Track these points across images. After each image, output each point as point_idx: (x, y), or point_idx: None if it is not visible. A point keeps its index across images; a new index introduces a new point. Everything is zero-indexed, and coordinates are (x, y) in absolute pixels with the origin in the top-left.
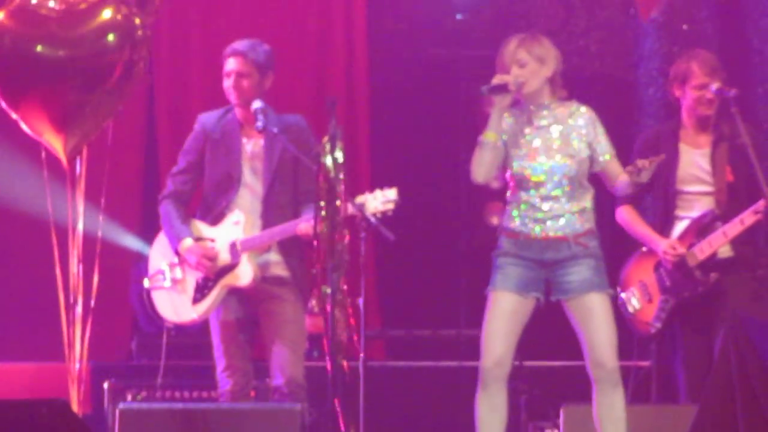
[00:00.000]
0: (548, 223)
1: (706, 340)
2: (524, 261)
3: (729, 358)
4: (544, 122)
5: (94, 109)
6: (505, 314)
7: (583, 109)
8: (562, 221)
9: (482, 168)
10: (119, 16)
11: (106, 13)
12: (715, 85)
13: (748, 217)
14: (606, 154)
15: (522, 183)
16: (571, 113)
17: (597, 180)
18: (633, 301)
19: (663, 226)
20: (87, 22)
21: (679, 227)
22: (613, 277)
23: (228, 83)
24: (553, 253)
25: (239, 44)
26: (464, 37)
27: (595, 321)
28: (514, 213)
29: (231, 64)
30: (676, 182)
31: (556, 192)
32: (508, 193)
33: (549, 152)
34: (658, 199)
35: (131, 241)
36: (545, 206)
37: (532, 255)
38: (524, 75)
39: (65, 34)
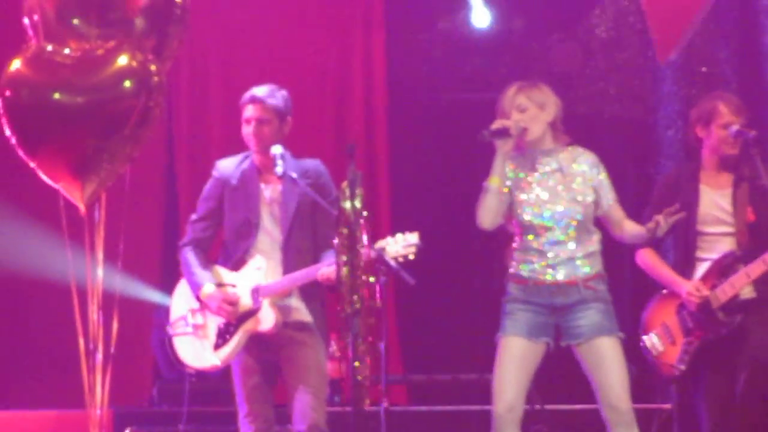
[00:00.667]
0: (557, 268)
1: (729, 381)
2: (533, 306)
3: (752, 402)
4: (548, 168)
5: (111, 155)
6: (515, 359)
7: (587, 153)
8: (570, 266)
9: (488, 214)
10: (135, 63)
11: (122, 60)
12: (735, 127)
13: None
14: (609, 199)
15: (529, 229)
16: (574, 158)
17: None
18: (656, 343)
19: (684, 268)
20: (103, 69)
21: (701, 269)
22: (634, 320)
23: (248, 130)
24: (563, 298)
25: (258, 90)
26: (483, 80)
27: (606, 365)
28: (522, 260)
29: (250, 110)
30: (697, 223)
31: (564, 237)
32: (515, 240)
33: (554, 198)
34: (679, 240)
35: (150, 294)
36: (553, 252)
37: (542, 300)
38: (525, 120)
39: (82, 81)
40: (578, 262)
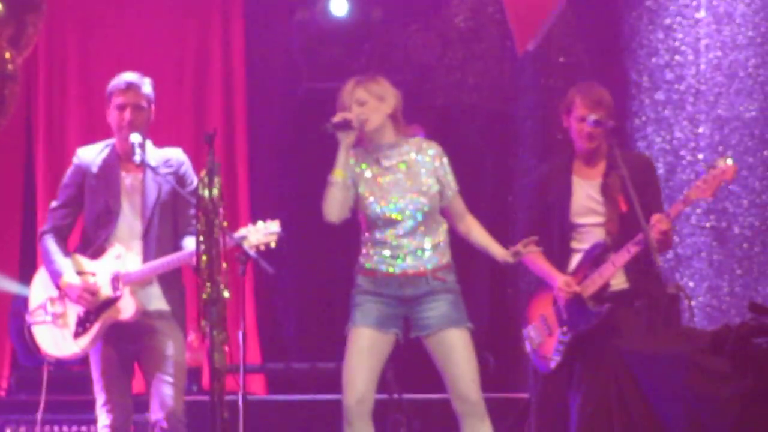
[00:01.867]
0: (405, 259)
1: (600, 373)
2: (382, 298)
3: (609, 391)
4: (392, 161)
5: None
6: (364, 351)
7: (430, 144)
8: (418, 257)
9: (334, 207)
10: None
11: None
12: (592, 117)
13: (633, 246)
14: (452, 189)
15: (375, 222)
16: (418, 150)
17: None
18: (533, 335)
19: (561, 260)
20: None
21: (575, 260)
22: (493, 311)
23: (121, 116)
24: (412, 289)
25: (130, 77)
26: (342, 69)
27: (455, 356)
28: (370, 252)
29: (125, 96)
30: (570, 215)
31: (411, 228)
32: (363, 233)
33: (399, 190)
34: (554, 232)
35: (7, 284)
36: (400, 243)
37: (391, 292)
38: (365, 112)
39: None
40: (426, 253)
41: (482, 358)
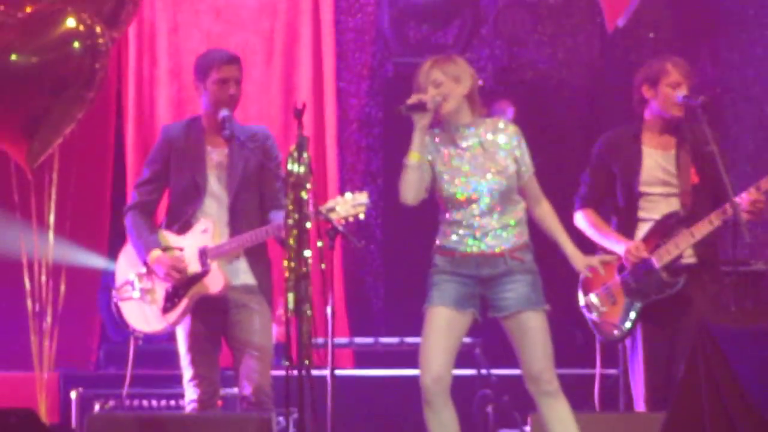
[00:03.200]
0: (482, 239)
1: (668, 345)
2: (460, 277)
3: (698, 368)
4: (468, 141)
5: (57, 116)
6: (441, 329)
7: (507, 124)
8: (496, 237)
9: (410, 189)
10: (81, 26)
11: (69, 22)
12: (681, 93)
13: (716, 218)
14: (527, 170)
15: (452, 203)
16: (494, 129)
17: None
18: (597, 304)
19: (626, 229)
20: (50, 31)
21: (643, 229)
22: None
23: (224, 90)
24: (490, 269)
25: (227, 52)
26: (431, 45)
27: (530, 338)
28: (448, 231)
29: (229, 70)
30: (640, 184)
31: (488, 208)
32: (440, 213)
33: (476, 170)
34: (621, 201)
35: (96, 260)
36: (478, 223)
37: (468, 271)
38: (441, 94)
39: (28, 42)
40: (504, 233)
41: (571, 335)
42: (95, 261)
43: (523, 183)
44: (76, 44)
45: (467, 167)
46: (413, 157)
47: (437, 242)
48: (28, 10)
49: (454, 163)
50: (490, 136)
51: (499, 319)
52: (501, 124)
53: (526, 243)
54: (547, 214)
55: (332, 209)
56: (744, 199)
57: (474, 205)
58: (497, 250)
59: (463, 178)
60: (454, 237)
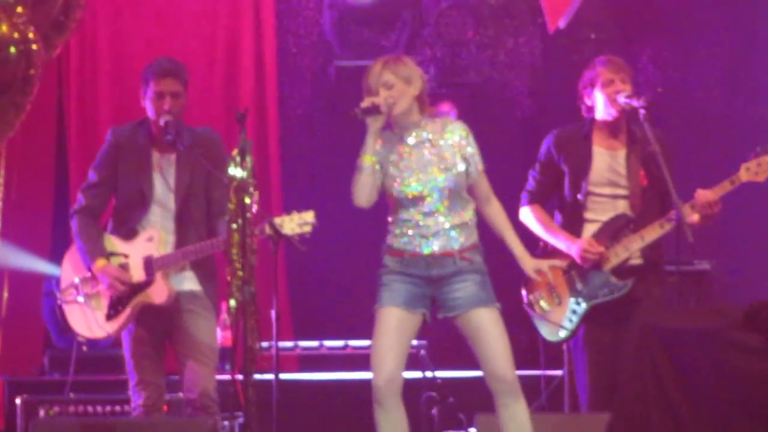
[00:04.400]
0: (431, 239)
1: (612, 346)
2: (409, 278)
3: (643, 368)
4: (417, 140)
5: None
6: (392, 330)
7: (456, 123)
8: (445, 236)
9: (364, 192)
10: (16, 33)
11: (3, 28)
12: (624, 95)
13: (667, 224)
14: (477, 168)
15: (401, 202)
16: (443, 129)
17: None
18: (541, 303)
19: (572, 228)
20: None
21: (589, 229)
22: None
23: (160, 103)
24: (439, 269)
25: (168, 64)
26: (374, 47)
27: (487, 336)
28: (397, 231)
29: (164, 84)
30: (588, 183)
31: (436, 207)
32: (390, 213)
33: (425, 169)
34: (568, 199)
35: (39, 264)
36: (427, 222)
37: (418, 272)
38: (393, 96)
39: None
40: (453, 233)
41: (515, 335)
42: (38, 265)
43: (473, 181)
44: (12, 49)
45: (415, 166)
46: (367, 160)
47: (386, 242)
48: None
49: (402, 162)
50: (438, 135)
51: (451, 319)
52: (449, 124)
53: (475, 244)
54: (497, 213)
55: (279, 226)
56: (699, 199)
57: (422, 204)
58: (446, 250)
59: (411, 176)
60: (403, 237)
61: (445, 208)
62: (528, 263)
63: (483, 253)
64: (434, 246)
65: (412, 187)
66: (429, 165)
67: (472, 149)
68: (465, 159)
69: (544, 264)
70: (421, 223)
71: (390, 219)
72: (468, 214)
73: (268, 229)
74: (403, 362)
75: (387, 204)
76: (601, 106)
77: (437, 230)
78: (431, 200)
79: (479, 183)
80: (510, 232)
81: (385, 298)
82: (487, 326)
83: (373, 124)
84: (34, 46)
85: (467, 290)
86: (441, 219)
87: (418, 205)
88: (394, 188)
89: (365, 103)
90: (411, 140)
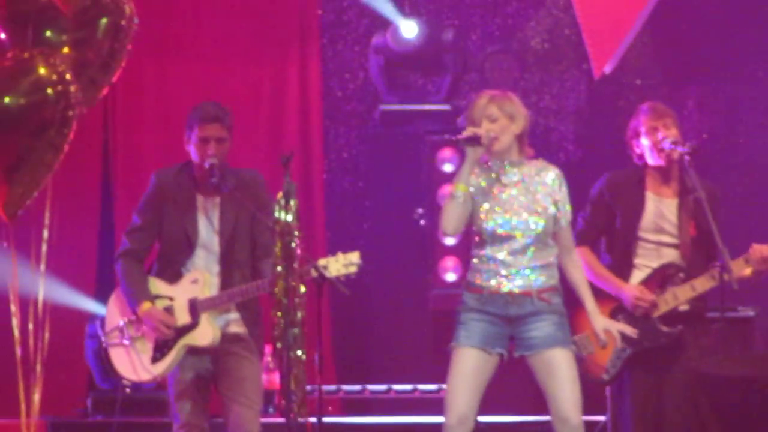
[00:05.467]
0: (512, 278)
1: (656, 393)
2: (488, 316)
3: (689, 414)
4: (512, 179)
5: (36, 161)
6: (468, 370)
7: (551, 167)
8: (525, 277)
9: (452, 220)
10: (54, 74)
11: (41, 70)
12: (669, 141)
13: (717, 274)
14: (565, 218)
15: (488, 238)
16: (538, 171)
17: None
18: (587, 344)
19: (619, 272)
20: (23, 78)
21: (638, 275)
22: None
23: (205, 149)
24: (517, 309)
25: (213, 109)
26: (420, 92)
27: (558, 377)
28: (480, 267)
29: (210, 130)
30: (640, 229)
31: (522, 248)
32: (473, 249)
33: (516, 208)
34: (617, 244)
35: (84, 302)
36: (510, 261)
37: (496, 310)
38: (495, 130)
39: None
40: (534, 274)
41: None
42: (82, 302)
43: (559, 228)
44: (49, 91)
45: (507, 204)
46: (460, 188)
47: (467, 278)
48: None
49: (495, 199)
50: (534, 177)
51: (526, 357)
52: (546, 166)
53: (555, 286)
54: (576, 267)
55: (324, 268)
56: (756, 251)
57: (509, 243)
58: (526, 289)
59: (503, 214)
60: (484, 274)
61: (531, 249)
62: (599, 322)
63: (562, 295)
64: (514, 285)
65: (502, 225)
66: (520, 205)
67: (564, 197)
68: (556, 204)
69: (614, 326)
70: (503, 260)
71: (473, 254)
72: (551, 257)
73: (313, 272)
74: (476, 404)
75: (471, 237)
76: (648, 153)
77: (519, 269)
78: (519, 241)
79: (564, 233)
80: (585, 288)
81: (463, 337)
82: (560, 366)
83: (472, 154)
84: (72, 88)
85: (544, 330)
86: (524, 259)
87: (504, 242)
88: (481, 223)
89: (467, 131)
90: (506, 179)
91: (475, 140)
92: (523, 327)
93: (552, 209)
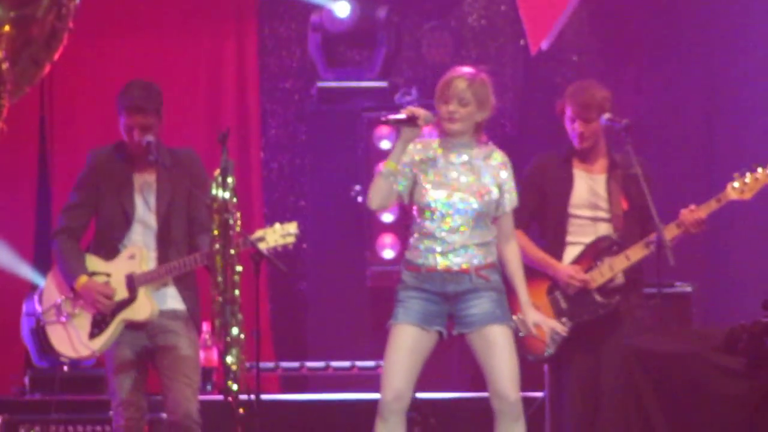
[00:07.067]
0: (450, 255)
1: (595, 364)
2: (426, 294)
3: (625, 390)
4: (460, 159)
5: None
6: (406, 347)
7: (498, 152)
8: (463, 254)
9: (378, 196)
10: None
11: None
12: (605, 116)
13: (651, 243)
14: (511, 201)
15: (428, 214)
16: (487, 155)
17: None
18: (523, 326)
19: (553, 251)
20: None
21: (571, 252)
22: None
23: (131, 135)
24: (455, 286)
25: (137, 96)
26: (356, 70)
27: (496, 353)
28: (417, 245)
29: (134, 119)
30: (570, 206)
31: (462, 226)
32: (413, 225)
33: (458, 187)
34: (549, 223)
35: (26, 270)
36: (449, 239)
37: (434, 288)
38: (461, 114)
39: None
40: (472, 251)
41: None
42: (22, 269)
43: (502, 213)
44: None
45: (452, 184)
46: (389, 165)
47: (405, 257)
48: None
49: (440, 176)
50: (481, 160)
51: (464, 335)
52: (494, 151)
53: (494, 263)
54: (513, 255)
55: (261, 239)
56: (689, 215)
57: (447, 220)
58: (463, 267)
59: (444, 191)
60: (423, 251)
61: (469, 227)
62: (530, 315)
63: (501, 273)
64: (452, 262)
65: (443, 202)
66: (464, 185)
67: (509, 183)
68: (500, 188)
69: (545, 322)
70: (442, 237)
71: (411, 230)
72: (489, 236)
73: (253, 248)
74: (413, 381)
75: (411, 214)
76: (570, 135)
77: (457, 247)
78: (457, 217)
79: (504, 220)
80: (520, 278)
81: (401, 314)
82: (498, 343)
83: (407, 134)
84: (3, 66)
85: (482, 307)
86: (463, 237)
87: (443, 219)
88: (423, 199)
89: (405, 111)
90: (454, 158)
91: (411, 121)
92: (461, 305)
93: (495, 193)
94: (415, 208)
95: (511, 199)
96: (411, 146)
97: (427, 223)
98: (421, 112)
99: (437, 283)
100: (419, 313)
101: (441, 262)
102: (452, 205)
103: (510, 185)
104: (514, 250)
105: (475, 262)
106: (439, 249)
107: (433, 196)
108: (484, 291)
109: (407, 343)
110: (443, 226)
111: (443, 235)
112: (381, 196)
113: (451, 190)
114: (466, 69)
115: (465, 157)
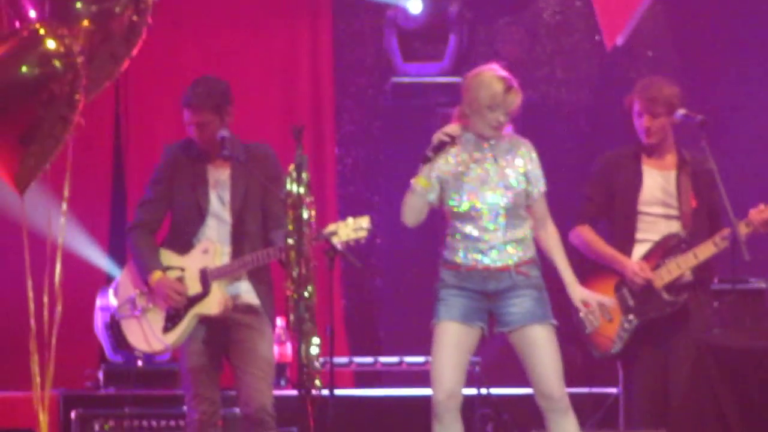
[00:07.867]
0: (488, 253)
1: (664, 362)
2: (466, 292)
3: (700, 386)
4: (483, 155)
5: (47, 132)
6: (451, 344)
7: (522, 142)
8: (502, 251)
9: (412, 213)
10: (61, 46)
11: (49, 43)
12: (680, 111)
13: (721, 241)
14: (539, 188)
15: (460, 216)
16: (510, 147)
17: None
18: (592, 319)
19: (622, 248)
20: (30, 51)
21: (641, 249)
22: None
23: (192, 132)
24: (495, 284)
25: (193, 92)
26: (430, 66)
27: (538, 353)
28: (454, 246)
29: (188, 115)
30: (639, 203)
31: (495, 224)
32: (447, 226)
33: (486, 184)
34: (618, 219)
35: (102, 263)
36: (485, 237)
37: (474, 286)
38: (504, 124)
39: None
40: (509, 248)
41: (569, 353)
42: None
43: (532, 202)
44: (56, 62)
45: (476, 182)
46: (421, 183)
47: (443, 256)
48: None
49: (464, 176)
50: (504, 153)
51: (505, 334)
52: (517, 141)
53: (533, 258)
54: (550, 237)
55: (334, 233)
56: (760, 214)
57: (480, 219)
58: (502, 264)
59: (471, 192)
60: (459, 251)
61: (503, 224)
62: (576, 293)
63: (540, 268)
64: (490, 260)
65: (472, 202)
66: (490, 181)
67: (535, 170)
68: (527, 178)
69: (593, 297)
70: (477, 237)
71: (447, 231)
72: (525, 231)
73: (329, 242)
74: (462, 377)
75: (444, 216)
76: (637, 131)
77: (494, 245)
78: (489, 216)
79: (537, 206)
80: (561, 258)
81: (443, 312)
82: (540, 343)
83: (441, 156)
84: (78, 60)
85: (523, 306)
86: (497, 234)
87: (476, 219)
88: (452, 201)
89: (440, 137)
90: (477, 155)
91: (452, 142)
92: (501, 302)
93: (522, 184)
94: (445, 210)
95: (538, 186)
96: None
97: (460, 224)
98: (454, 129)
99: (477, 282)
100: (461, 310)
101: (480, 261)
102: (480, 204)
103: (536, 173)
104: (552, 232)
105: (515, 258)
106: (477, 248)
107: (460, 197)
108: (525, 289)
109: (452, 341)
110: (477, 226)
111: (477, 234)
112: (415, 214)
113: (478, 190)
114: (509, 76)
115: (489, 154)
